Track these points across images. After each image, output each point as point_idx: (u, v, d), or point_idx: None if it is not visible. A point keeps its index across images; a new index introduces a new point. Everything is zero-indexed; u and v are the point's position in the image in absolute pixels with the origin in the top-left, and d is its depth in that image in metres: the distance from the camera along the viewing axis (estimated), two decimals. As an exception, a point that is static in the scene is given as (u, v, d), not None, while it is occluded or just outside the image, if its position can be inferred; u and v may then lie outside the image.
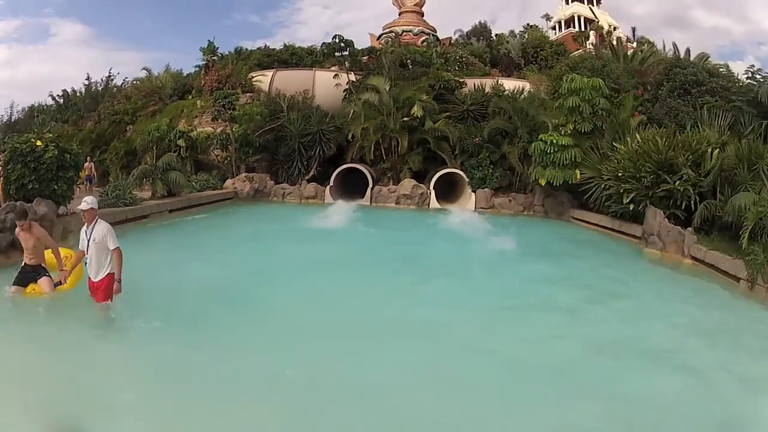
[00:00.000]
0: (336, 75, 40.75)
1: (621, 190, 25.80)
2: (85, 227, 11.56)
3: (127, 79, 56.47)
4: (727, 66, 33.97)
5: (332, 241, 23.54)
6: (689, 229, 22.93)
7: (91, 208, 11.52)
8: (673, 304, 16.23)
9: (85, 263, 11.66)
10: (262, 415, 8.18)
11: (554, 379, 9.96)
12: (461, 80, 42.36)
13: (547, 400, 9.27)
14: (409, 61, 45.34)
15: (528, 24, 73.55)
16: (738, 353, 11.96)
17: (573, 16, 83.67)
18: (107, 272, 11.54)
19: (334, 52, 43.97)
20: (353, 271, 18.34)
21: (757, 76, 29.29)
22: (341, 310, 13.15)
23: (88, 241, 11.39)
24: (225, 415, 8.11)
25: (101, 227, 11.50)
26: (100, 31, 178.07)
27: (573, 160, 29.97)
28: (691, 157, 24.26)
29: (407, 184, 35.72)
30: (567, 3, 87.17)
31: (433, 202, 35.39)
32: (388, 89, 37.22)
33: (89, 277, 11.65)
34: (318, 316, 12.81)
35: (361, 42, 57.24)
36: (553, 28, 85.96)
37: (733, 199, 20.89)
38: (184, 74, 50.52)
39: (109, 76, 57.46)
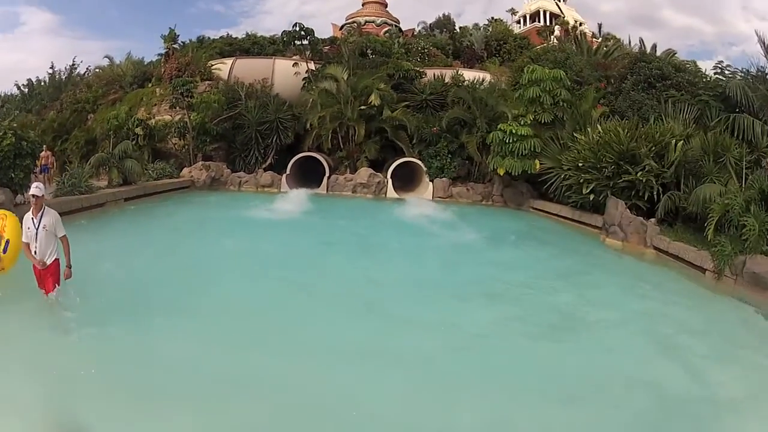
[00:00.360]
0: (295, 64, 40.43)
1: (581, 180, 26.06)
2: (31, 215, 11.25)
3: (90, 68, 55.79)
4: (695, 63, 34.52)
5: (274, 232, 23.05)
6: (652, 219, 23.12)
7: (42, 195, 11.45)
8: (636, 290, 16.55)
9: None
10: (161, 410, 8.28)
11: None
12: (421, 70, 42.19)
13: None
14: (369, 50, 45.14)
15: (492, 17, 73.43)
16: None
17: (539, 11, 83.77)
18: (54, 258, 11.43)
19: (294, 41, 43.26)
20: (286, 266, 17.48)
21: (726, 72, 29.53)
22: (262, 321, 12.25)
23: (37, 229, 11.18)
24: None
25: (52, 215, 11.45)
26: (67, 20, 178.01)
27: (532, 150, 30.11)
28: (654, 148, 24.46)
29: (364, 172, 35.49)
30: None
31: (390, 191, 35.10)
32: (346, 78, 36.94)
33: (34, 266, 11.35)
34: (234, 317, 12.26)
35: (326, 32, 57.43)
36: (518, 22, 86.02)
37: (697, 190, 21.18)
38: (146, 62, 49.90)
39: (73, 64, 57.04)
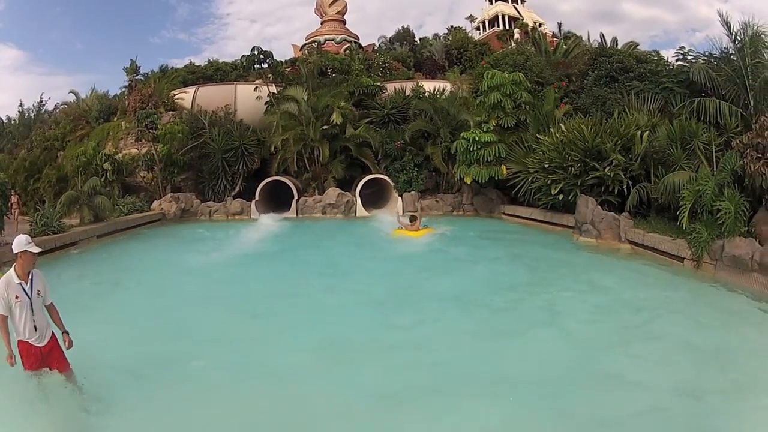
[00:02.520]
0: (257, 88, 40.01)
1: (549, 182, 26.18)
2: (16, 279, 8.59)
3: (58, 104, 54.39)
4: (658, 53, 33.74)
5: (235, 269, 20.74)
6: (624, 214, 23.16)
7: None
8: (611, 284, 16.80)
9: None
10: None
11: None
12: (381, 85, 41.74)
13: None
14: (328, 69, 44.96)
15: (452, 26, 72.64)
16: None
17: (497, 16, 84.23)
18: (51, 331, 9.07)
19: (253, 65, 42.99)
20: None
21: (689, 57, 29.28)
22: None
23: (30, 296, 8.62)
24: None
25: (40, 276, 8.98)
26: (35, 56, 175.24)
27: (497, 155, 30.04)
28: (620, 142, 24.62)
29: (332, 192, 35.01)
30: (491, 3, 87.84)
31: (360, 210, 34.62)
32: (306, 99, 36.54)
33: (28, 343, 8.69)
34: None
35: (289, 53, 57.48)
36: (477, 28, 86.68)
37: (665, 178, 21.22)
38: (111, 95, 49.03)
39: (41, 101, 56.14)
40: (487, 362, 11.11)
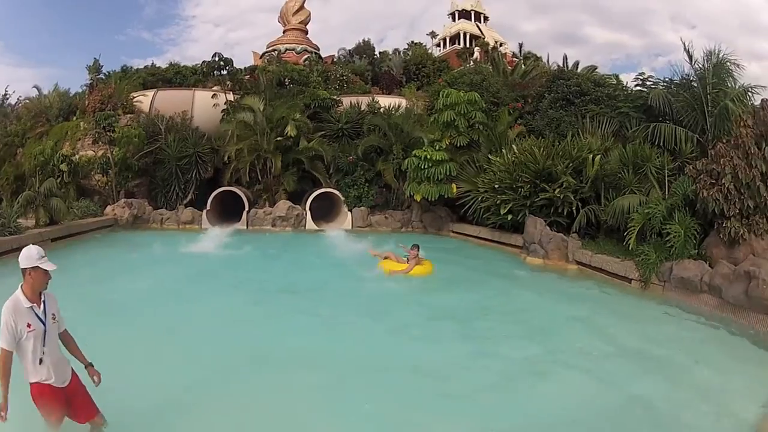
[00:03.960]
0: (214, 95, 38.93)
1: (498, 202, 26.26)
2: (27, 302, 6.70)
3: (20, 99, 51.66)
4: (617, 76, 34.14)
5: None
6: (573, 235, 23.75)
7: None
8: (555, 303, 17.23)
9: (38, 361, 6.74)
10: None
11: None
12: (337, 98, 41.29)
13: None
14: (287, 79, 44.19)
15: (412, 41, 72.90)
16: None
17: (459, 33, 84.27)
18: (70, 366, 7.27)
19: (213, 71, 42.32)
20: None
21: (648, 82, 29.33)
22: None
23: (44, 320, 6.82)
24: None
25: (53, 297, 7.18)
26: (5, 46, 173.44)
27: (448, 174, 29.89)
28: (571, 164, 24.91)
29: (282, 205, 34.38)
30: (454, 20, 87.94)
31: (310, 223, 34.17)
32: (262, 109, 35.99)
33: (49, 385, 6.83)
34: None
35: (249, 60, 56.92)
36: (438, 45, 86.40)
37: (615, 202, 21.64)
38: (73, 93, 47.44)
39: (5, 94, 52.04)
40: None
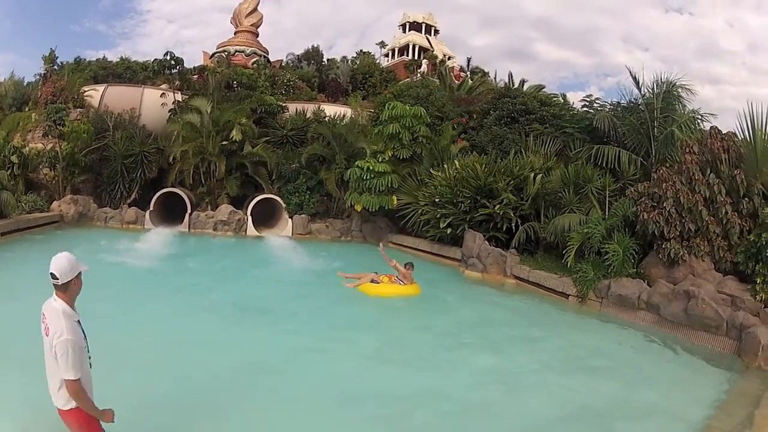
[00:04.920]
0: (163, 94, 38.73)
1: (438, 215, 26.66)
2: (75, 314, 6.20)
3: None
4: (564, 96, 34.42)
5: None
6: (511, 250, 24.01)
7: None
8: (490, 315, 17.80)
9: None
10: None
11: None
12: (283, 105, 41.15)
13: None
14: (235, 83, 44.02)
15: (361, 50, 73.19)
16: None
17: (408, 45, 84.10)
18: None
19: (164, 70, 42.23)
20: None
21: (595, 104, 29.65)
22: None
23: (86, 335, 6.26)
24: None
25: None
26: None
27: (389, 186, 30.02)
28: (512, 182, 25.30)
29: (224, 209, 34.11)
30: (404, 32, 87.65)
31: (250, 229, 33.92)
32: (209, 111, 35.46)
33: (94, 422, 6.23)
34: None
35: (199, 59, 56.88)
36: (387, 55, 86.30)
37: (555, 220, 22.16)
38: (26, 83, 46.07)
39: None
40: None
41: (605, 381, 12.14)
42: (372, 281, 19.78)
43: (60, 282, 5.97)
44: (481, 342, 14.91)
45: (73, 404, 6.02)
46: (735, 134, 18.63)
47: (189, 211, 33.92)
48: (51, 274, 5.94)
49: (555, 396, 11.17)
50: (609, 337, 15.85)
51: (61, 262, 5.98)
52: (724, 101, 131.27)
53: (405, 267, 19.82)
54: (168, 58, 41.04)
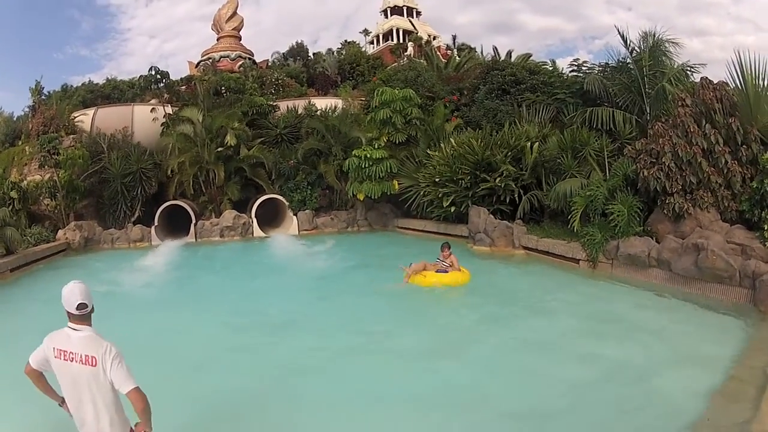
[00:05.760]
0: (153, 109, 38.74)
1: (440, 195, 26.78)
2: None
3: None
4: (554, 62, 34.34)
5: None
6: (517, 221, 24.09)
7: None
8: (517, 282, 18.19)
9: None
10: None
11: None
12: (273, 104, 40.88)
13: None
14: (223, 88, 43.71)
15: (345, 40, 72.89)
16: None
17: (392, 30, 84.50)
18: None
19: (150, 85, 42.39)
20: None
21: (583, 68, 29.69)
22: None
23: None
24: None
25: None
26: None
27: (389, 171, 30.32)
28: (510, 153, 25.36)
29: (228, 215, 33.92)
30: (386, 17, 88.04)
31: (257, 231, 33.79)
32: (201, 119, 35.35)
33: None
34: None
35: (185, 70, 56.63)
36: (371, 42, 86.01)
37: (557, 186, 22.13)
38: (15, 117, 46.40)
39: None
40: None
41: (627, 342, 12.10)
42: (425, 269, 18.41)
43: (89, 308, 5.93)
44: (504, 315, 15.02)
45: (129, 428, 6.04)
46: (726, 83, 18.28)
47: (194, 221, 33.73)
48: (81, 304, 5.83)
49: (585, 360, 11.24)
50: (623, 298, 15.74)
51: (83, 290, 5.90)
52: (712, 52, 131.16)
53: (442, 250, 18.63)
54: (153, 73, 41.31)
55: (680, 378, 9.98)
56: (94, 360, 5.72)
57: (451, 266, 18.21)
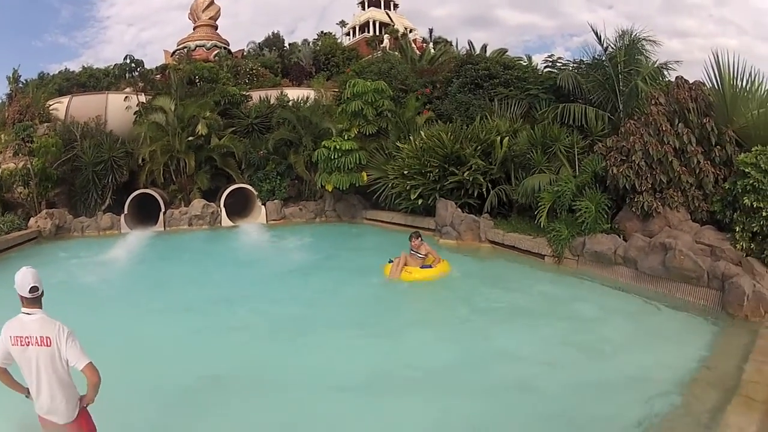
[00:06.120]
0: (127, 97, 38.43)
1: (408, 187, 26.51)
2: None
3: None
4: (530, 58, 33.83)
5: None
6: (484, 215, 24.01)
7: None
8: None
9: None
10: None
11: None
12: (246, 94, 40.99)
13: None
14: (197, 77, 43.25)
15: (322, 31, 72.59)
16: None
17: (368, 21, 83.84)
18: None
19: (125, 73, 42.27)
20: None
21: (558, 64, 29.35)
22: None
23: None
24: None
25: None
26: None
27: (358, 163, 29.96)
28: (479, 147, 25.16)
29: (197, 204, 33.73)
30: (363, 9, 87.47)
31: (225, 220, 33.65)
32: (173, 108, 35.48)
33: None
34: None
35: (161, 59, 56.30)
36: (348, 34, 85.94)
37: (525, 181, 22.14)
38: None
39: None
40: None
41: (587, 340, 12.13)
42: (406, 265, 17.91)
43: (40, 292, 6.23)
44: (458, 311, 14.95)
45: (78, 409, 6.38)
46: (703, 83, 18.23)
47: (163, 209, 33.70)
48: (33, 287, 6.14)
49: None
50: (586, 296, 15.64)
51: (35, 274, 6.23)
52: (692, 53, 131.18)
53: (412, 239, 18.16)
54: (128, 61, 41.17)
55: (640, 387, 9.70)
56: (48, 340, 6.01)
57: (426, 256, 17.99)
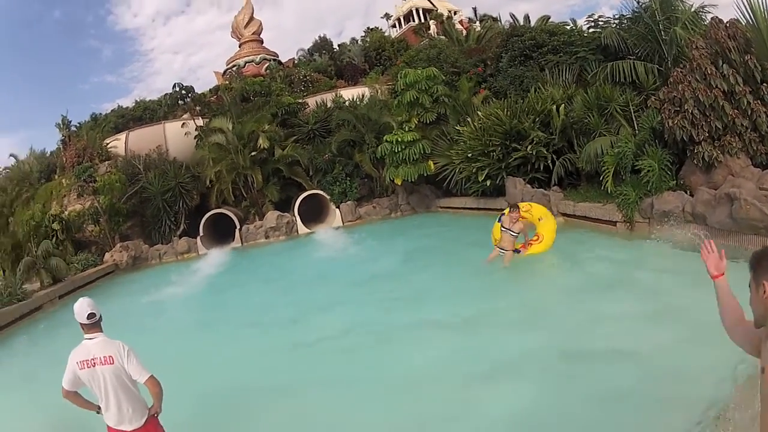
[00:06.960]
0: (183, 124, 38.51)
1: (474, 170, 26.26)
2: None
3: (0, 169, 50.19)
4: (574, 21, 32.98)
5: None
6: (554, 187, 23.30)
7: None
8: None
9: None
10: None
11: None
12: (302, 101, 41.03)
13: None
14: (250, 93, 43.04)
15: (368, 27, 71.05)
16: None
17: (411, 10, 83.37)
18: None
19: (177, 101, 42.80)
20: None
21: (600, 22, 28.90)
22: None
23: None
24: None
25: None
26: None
27: (422, 152, 29.93)
28: (537, 119, 24.72)
29: (271, 216, 33.91)
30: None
31: (301, 228, 33.69)
32: (231, 127, 35.57)
33: None
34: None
35: (214, 80, 56.59)
36: (393, 26, 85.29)
37: (586, 147, 21.33)
38: (48, 152, 47.19)
39: None
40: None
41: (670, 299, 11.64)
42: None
43: (98, 317, 6.77)
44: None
45: (146, 417, 6.86)
46: (738, 20, 17.61)
47: (238, 226, 33.95)
48: (90, 314, 6.68)
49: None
50: (659, 262, 14.81)
51: (90, 302, 6.79)
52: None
53: (511, 212, 16.14)
54: (178, 89, 41.01)
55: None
56: (111, 359, 6.59)
57: (518, 235, 16.17)
